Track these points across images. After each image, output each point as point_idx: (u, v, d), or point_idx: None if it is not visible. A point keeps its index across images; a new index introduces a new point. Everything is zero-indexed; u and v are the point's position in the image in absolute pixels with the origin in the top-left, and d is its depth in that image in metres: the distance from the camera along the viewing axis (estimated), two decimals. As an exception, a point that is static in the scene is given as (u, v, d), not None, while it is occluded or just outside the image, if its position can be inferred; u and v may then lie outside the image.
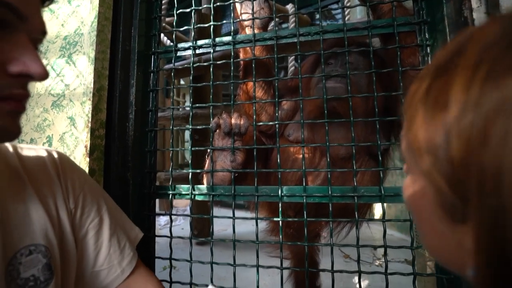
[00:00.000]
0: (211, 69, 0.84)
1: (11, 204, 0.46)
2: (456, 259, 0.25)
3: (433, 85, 0.24)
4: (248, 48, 0.91)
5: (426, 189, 0.24)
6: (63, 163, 0.56)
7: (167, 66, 1.88)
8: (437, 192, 0.23)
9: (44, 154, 0.55)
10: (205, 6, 0.89)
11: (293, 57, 2.73)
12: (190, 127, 0.80)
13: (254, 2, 0.85)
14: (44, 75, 0.37)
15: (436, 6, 0.68)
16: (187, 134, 6.98)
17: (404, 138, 0.27)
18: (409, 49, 0.75)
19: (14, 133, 0.38)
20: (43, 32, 0.39)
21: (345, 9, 0.87)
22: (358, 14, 3.20)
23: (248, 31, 0.92)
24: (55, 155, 0.56)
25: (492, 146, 0.18)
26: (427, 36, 0.72)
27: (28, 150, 0.54)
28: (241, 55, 0.95)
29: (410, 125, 0.25)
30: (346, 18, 2.01)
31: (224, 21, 0.89)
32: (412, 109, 0.25)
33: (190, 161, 0.80)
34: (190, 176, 0.80)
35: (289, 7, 3.18)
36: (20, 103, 0.37)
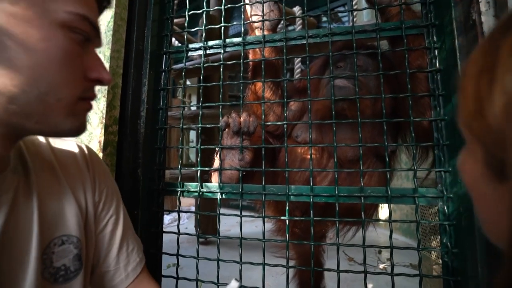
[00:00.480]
0: (221, 69, 0.85)
1: (47, 195, 0.48)
2: (497, 224, 0.26)
3: (481, 55, 0.26)
4: (257, 49, 0.93)
5: (477, 154, 0.26)
6: (92, 157, 0.59)
7: (177, 66, 1.91)
8: (485, 153, 0.25)
9: (75, 147, 0.57)
10: (215, 8, 0.90)
11: (299, 59, 2.74)
12: (200, 125, 0.82)
13: (264, 4, 0.86)
14: (110, 81, 0.46)
15: (444, 9, 0.69)
16: (192, 134, 7.02)
17: (460, 111, 0.29)
18: (417, 52, 0.76)
19: (86, 127, 0.45)
20: (100, 44, 0.46)
21: (352, 11, 0.89)
22: (364, 17, 3.20)
23: (258, 32, 0.94)
24: (85, 149, 0.59)
25: None
26: (435, 39, 0.73)
27: (60, 142, 0.56)
28: (251, 56, 0.97)
29: (464, 95, 0.27)
30: (354, 5, 2.02)
31: (234, 23, 0.91)
32: (465, 81, 0.27)
33: (199, 159, 0.81)
34: (198, 174, 0.81)
35: (296, 9, 3.20)
36: (91, 103, 0.45)
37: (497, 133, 0.22)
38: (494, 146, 0.23)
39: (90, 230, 0.54)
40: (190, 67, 0.91)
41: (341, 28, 0.79)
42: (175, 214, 3.61)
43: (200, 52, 0.89)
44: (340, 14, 5.65)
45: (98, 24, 0.43)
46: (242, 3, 0.89)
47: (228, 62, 0.85)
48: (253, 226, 3.53)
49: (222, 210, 0.78)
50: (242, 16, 0.88)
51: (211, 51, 0.89)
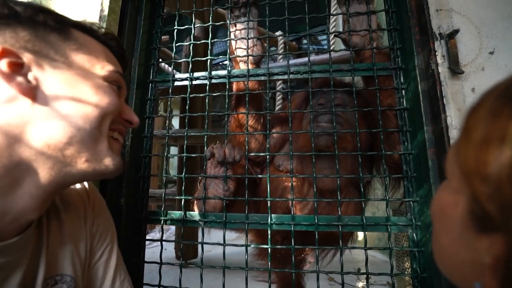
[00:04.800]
0: (206, 101, 0.89)
1: (51, 236, 0.50)
2: (466, 270, 0.27)
3: (494, 119, 0.25)
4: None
5: (461, 199, 0.27)
6: (91, 189, 0.62)
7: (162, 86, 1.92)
8: (472, 200, 0.25)
9: None
10: (202, 41, 0.95)
11: (280, 82, 2.85)
12: (185, 154, 0.84)
13: (249, 40, 0.92)
14: (138, 123, 0.55)
15: (409, 56, 0.78)
16: (172, 150, 6.90)
17: (454, 153, 0.29)
18: (387, 91, 0.84)
19: (122, 167, 0.51)
20: (125, 94, 0.56)
21: (330, 45, 0.96)
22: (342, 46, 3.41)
23: (242, 65, 0.99)
24: (85, 183, 0.61)
25: None
26: (402, 81, 0.81)
27: None
28: (234, 87, 1.01)
29: (465, 144, 0.27)
30: (332, 47, 2.16)
31: (220, 57, 0.95)
32: (472, 124, 0.27)
33: (182, 188, 0.83)
34: (182, 203, 0.82)
35: (278, 33, 3.36)
36: (121, 144, 0.53)
37: (496, 188, 0.22)
38: (486, 198, 0.23)
39: (83, 264, 0.55)
40: (176, 96, 0.93)
41: (320, 67, 0.86)
42: (153, 234, 3.47)
43: (186, 82, 0.92)
44: (319, 38, 5.99)
45: (123, 73, 0.54)
46: (228, 38, 0.94)
47: (213, 94, 0.89)
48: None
49: (206, 229, 0.79)
50: (228, 50, 0.93)
51: (197, 82, 0.92)
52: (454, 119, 0.66)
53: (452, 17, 0.71)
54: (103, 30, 0.54)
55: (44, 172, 0.43)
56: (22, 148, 0.41)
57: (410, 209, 0.76)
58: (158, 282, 0.80)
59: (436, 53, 0.69)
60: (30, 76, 0.42)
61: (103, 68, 0.49)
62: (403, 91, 0.81)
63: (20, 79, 0.41)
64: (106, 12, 0.79)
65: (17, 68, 0.41)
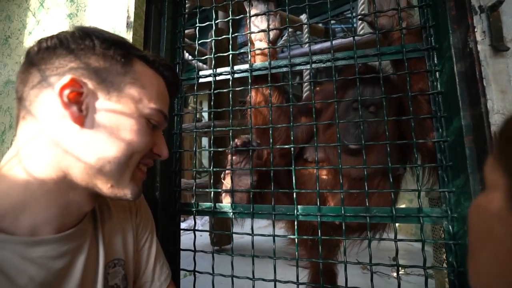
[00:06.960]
0: (230, 96, 0.91)
1: (105, 228, 0.58)
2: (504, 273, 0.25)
3: None
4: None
5: (497, 193, 0.26)
6: None
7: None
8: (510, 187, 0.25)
9: None
10: (224, 36, 0.96)
11: (307, 72, 2.76)
12: (212, 149, 0.87)
13: (264, 18, 0.90)
14: (167, 156, 0.57)
15: (443, 35, 0.71)
16: (204, 141, 7.18)
17: (494, 157, 0.29)
18: (418, 75, 0.78)
19: (141, 194, 0.55)
20: (165, 126, 0.58)
21: (359, 28, 0.91)
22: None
23: (257, 44, 0.99)
24: None
25: None
26: (436, 62, 0.75)
27: None
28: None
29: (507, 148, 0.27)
30: (360, 30, 2.04)
31: (242, 50, 0.96)
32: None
33: (211, 181, 0.87)
34: (212, 195, 0.87)
35: (303, 17, 3.23)
36: (145, 173, 0.56)
37: None
38: None
39: (132, 250, 0.63)
40: (201, 93, 0.97)
41: (344, 53, 0.83)
42: (190, 221, 3.69)
43: (210, 79, 0.94)
44: (348, 15, 5.65)
45: (166, 112, 0.55)
46: (248, 32, 0.94)
47: (237, 89, 0.90)
48: (266, 232, 3.56)
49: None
50: (249, 45, 0.93)
51: (221, 77, 0.94)
52: (495, 103, 0.60)
53: (494, -14, 0.63)
54: (163, 61, 0.56)
55: (82, 187, 0.48)
56: (67, 163, 0.46)
57: (445, 200, 0.72)
58: (193, 268, 0.86)
59: (475, 29, 0.62)
60: (84, 105, 0.46)
61: (148, 103, 0.51)
62: (437, 74, 0.74)
63: (74, 108, 0.45)
64: (132, 19, 0.83)
65: (76, 97, 0.45)
